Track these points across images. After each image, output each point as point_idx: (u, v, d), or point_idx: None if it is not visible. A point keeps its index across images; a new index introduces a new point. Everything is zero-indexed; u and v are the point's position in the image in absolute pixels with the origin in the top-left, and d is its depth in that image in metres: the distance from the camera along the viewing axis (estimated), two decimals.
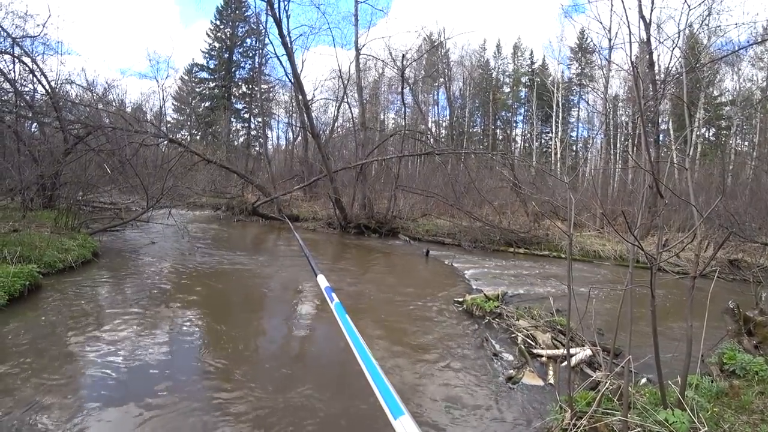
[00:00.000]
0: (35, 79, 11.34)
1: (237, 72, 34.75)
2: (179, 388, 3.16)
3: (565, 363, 3.52)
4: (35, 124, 11.98)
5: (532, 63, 35.40)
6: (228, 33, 33.93)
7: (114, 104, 17.14)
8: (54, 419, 2.65)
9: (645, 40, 13.17)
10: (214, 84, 34.52)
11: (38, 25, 12.84)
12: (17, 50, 10.89)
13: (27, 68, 11.14)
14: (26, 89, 11.56)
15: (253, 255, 9.18)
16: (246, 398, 3.10)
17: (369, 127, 20.18)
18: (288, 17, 14.46)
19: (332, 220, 14.82)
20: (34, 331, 4.04)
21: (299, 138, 26.04)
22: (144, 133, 12.12)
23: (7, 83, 10.75)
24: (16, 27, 11.65)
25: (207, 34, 34.05)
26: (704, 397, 2.95)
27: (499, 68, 36.69)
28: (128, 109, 24.06)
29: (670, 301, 6.70)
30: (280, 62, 31.11)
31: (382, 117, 32.08)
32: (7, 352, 3.52)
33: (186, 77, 35.28)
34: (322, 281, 2.79)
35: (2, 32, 10.71)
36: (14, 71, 11.09)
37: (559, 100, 27.12)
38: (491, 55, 36.57)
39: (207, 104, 34.39)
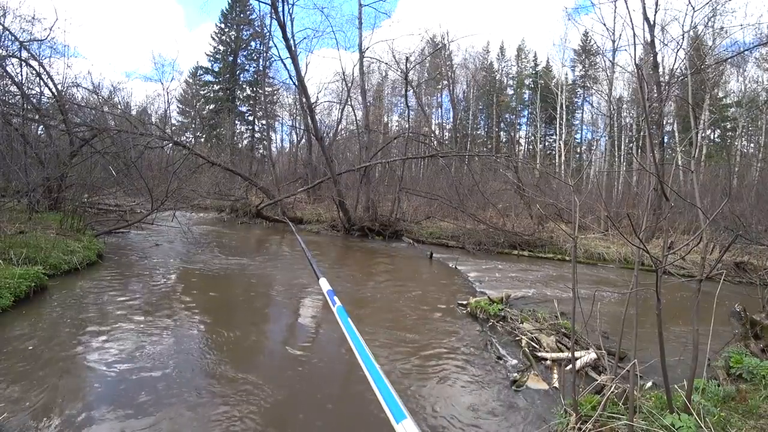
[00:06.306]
0: (42, 82, 11.47)
1: (241, 75, 35.06)
2: (183, 391, 3.16)
3: (570, 366, 3.49)
4: (42, 126, 12.08)
5: (536, 65, 35.41)
6: (232, 36, 34.21)
7: (119, 107, 17.35)
8: (56, 422, 2.65)
9: (649, 41, 13.12)
10: (218, 87, 34.80)
11: (45, 29, 13.01)
12: (24, 53, 11.03)
13: (34, 71, 11.27)
14: (33, 92, 11.66)
15: (256, 257, 9.20)
16: (247, 403, 3.09)
17: (373, 130, 20.24)
18: (292, 20, 14.53)
19: (336, 223, 14.83)
20: (39, 332, 4.06)
21: (303, 140, 26.15)
22: (149, 135, 12.23)
23: (15, 86, 10.87)
24: (24, 31, 11.83)
25: (212, 37, 34.43)
26: (711, 401, 2.91)
27: (502, 70, 36.72)
28: (133, 112, 24.36)
29: (676, 304, 6.64)
30: (284, 65, 31.47)
31: (385, 119, 32.18)
32: (11, 354, 3.54)
33: (191, 80, 35.63)
34: (324, 285, 2.79)
35: (10, 36, 10.85)
36: (21, 74, 11.20)
37: (563, 102, 27.06)
38: (495, 58, 36.67)
39: (211, 107, 34.67)
